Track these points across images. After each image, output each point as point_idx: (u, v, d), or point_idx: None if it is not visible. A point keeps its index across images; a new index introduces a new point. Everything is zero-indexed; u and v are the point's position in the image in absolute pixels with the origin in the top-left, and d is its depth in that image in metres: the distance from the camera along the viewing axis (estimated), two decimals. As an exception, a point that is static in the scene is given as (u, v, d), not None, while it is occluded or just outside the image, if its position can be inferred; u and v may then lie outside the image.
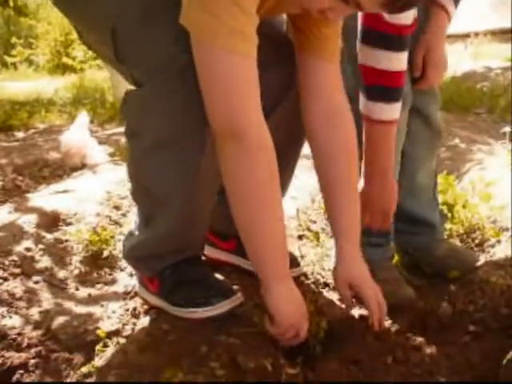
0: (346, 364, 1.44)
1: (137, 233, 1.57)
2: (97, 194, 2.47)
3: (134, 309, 1.67)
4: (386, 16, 1.48)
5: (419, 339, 1.58)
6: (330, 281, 1.82)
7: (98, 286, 1.86)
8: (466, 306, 1.71)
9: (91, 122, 4.38)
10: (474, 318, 1.66)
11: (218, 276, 1.66)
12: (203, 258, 1.70)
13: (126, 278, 1.89)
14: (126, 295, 1.77)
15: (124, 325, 1.60)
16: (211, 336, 1.43)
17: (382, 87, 1.58)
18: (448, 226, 2.14)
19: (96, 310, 1.69)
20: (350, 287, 1.50)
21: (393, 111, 1.60)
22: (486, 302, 1.70)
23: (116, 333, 1.56)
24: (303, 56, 1.46)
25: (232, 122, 1.22)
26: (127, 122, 1.45)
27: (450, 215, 2.19)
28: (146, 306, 1.66)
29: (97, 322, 1.62)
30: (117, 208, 2.41)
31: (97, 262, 1.99)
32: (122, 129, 1.65)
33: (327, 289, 1.83)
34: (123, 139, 3.28)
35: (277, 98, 1.50)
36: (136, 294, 1.73)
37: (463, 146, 3.53)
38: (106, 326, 1.59)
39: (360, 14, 1.54)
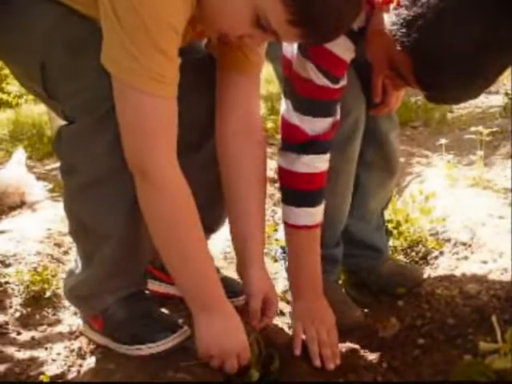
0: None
1: (77, 271, 1.53)
2: (37, 232, 2.41)
3: (80, 349, 1.62)
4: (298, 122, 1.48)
5: (370, 357, 1.59)
6: (278, 306, 1.81)
7: (41, 327, 1.79)
8: (413, 321, 1.73)
9: (29, 157, 4.29)
10: (423, 332, 1.68)
11: (164, 310, 1.63)
12: (147, 292, 1.67)
13: (71, 317, 1.83)
14: (71, 335, 1.72)
15: (70, 367, 1.54)
16: (158, 372, 1.40)
17: (292, 190, 1.55)
18: (391, 241, 2.16)
19: (40, 353, 1.63)
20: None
21: (304, 216, 1.55)
22: (433, 315, 1.73)
23: (61, 376, 1.51)
24: (223, 70, 1.50)
25: (140, 160, 1.25)
26: (61, 159, 1.43)
27: (395, 232, 2.22)
28: (91, 346, 1.61)
29: (41, 366, 1.56)
30: (58, 245, 2.35)
31: (39, 303, 1.92)
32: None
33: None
34: (62, 174, 3.23)
35: (203, 131, 1.55)
36: (81, 333, 1.68)
37: (402, 159, 3.59)
38: (50, 370, 1.53)
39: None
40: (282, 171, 1.56)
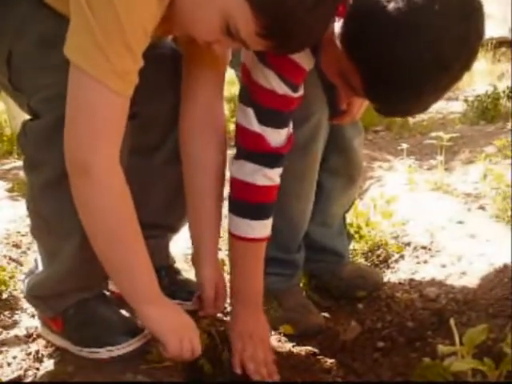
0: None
1: (38, 271, 1.50)
2: (-6, 232, 2.36)
3: (37, 352, 1.58)
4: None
5: (330, 361, 1.60)
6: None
7: (-3, 330, 1.76)
8: (374, 324, 1.75)
9: (-13, 156, 4.22)
10: (383, 335, 1.69)
11: (125, 313, 1.62)
12: (109, 294, 1.65)
13: (28, 320, 1.79)
14: (28, 338, 1.68)
15: (26, 370, 1.51)
16: (118, 375, 1.38)
17: (247, 202, 1.50)
18: (352, 244, 2.18)
19: (-5, 357, 1.60)
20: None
21: (253, 229, 1.50)
22: (393, 318, 1.75)
23: (17, 380, 1.48)
24: (189, 65, 1.50)
25: (81, 155, 1.21)
26: (26, 154, 1.40)
27: (356, 236, 2.24)
28: (49, 348, 1.58)
29: (-4, 369, 1.53)
30: (16, 246, 2.31)
31: (-4, 305, 1.89)
32: (20, 163, 1.58)
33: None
34: (22, 173, 3.17)
35: (165, 130, 1.57)
36: (39, 336, 1.65)
37: (364, 163, 3.63)
38: (6, 374, 1.50)
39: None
40: (236, 182, 1.49)
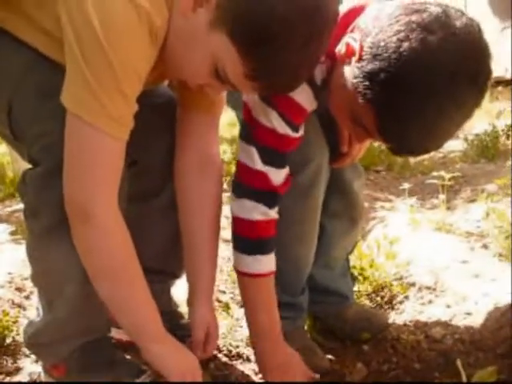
0: None
1: (38, 319, 1.49)
2: (-3, 276, 2.35)
3: (41, 398, 1.58)
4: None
5: (338, 403, 1.58)
6: (244, 352, 1.80)
7: (0, 376, 1.74)
8: (380, 366, 1.73)
9: (-10, 199, 4.22)
10: (389, 376, 1.68)
11: (127, 356, 1.60)
12: (110, 339, 1.63)
13: (31, 366, 1.78)
14: (32, 384, 1.68)
15: (30, 417, 1.50)
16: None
17: (249, 239, 1.52)
18: (356, 286, 2.17)
19: (-2, 403, 1.58)
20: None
21: (259, 264, 1.52)
22: (399, 360, 1.73)
23: (21, 428, 1.46)
24: (183, 108, 1.53)
25: (82, 201, 1.23)
26: (25, 202, 1.41)
27: (360, 277, 2.23)
28: (53, 394, 1.57)
29: (-1, 417, 1.52)
30: (19, 290, 2.30)
31: (-2, 350, 1.87)
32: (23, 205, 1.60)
33: (241, 360, 1.80)
34: (24, 217, 3.17)
35: (162, 175, 1.60)
36: (42, 383, 1.63)
37: (366, 204, 3.63)
38: (9, 421, 1.49)
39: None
40: (238, 221, 1.51)
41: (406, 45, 1.13)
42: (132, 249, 1.31)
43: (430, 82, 1.14)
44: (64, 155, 1.22)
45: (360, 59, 1.21)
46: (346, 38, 1.27)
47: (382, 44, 1.16)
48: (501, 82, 9.11)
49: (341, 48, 1.28)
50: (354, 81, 1.23)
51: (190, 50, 1.20)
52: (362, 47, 1.21)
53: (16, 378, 1.72)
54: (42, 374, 1.61)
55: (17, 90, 1.32)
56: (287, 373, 1.57)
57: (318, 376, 1.61)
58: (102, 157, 1.22)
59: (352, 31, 1.28)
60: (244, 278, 1.54)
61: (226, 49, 1.13)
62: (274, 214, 1.50)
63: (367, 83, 1.20)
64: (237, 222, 1.52)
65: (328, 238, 1.88)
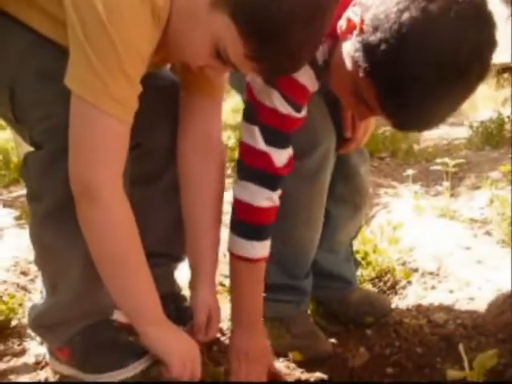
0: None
1: (42, 302, 1.51)
2: (2, 260, 2.37)
3: (46, 379, 1.59)
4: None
5: (339, 387, 1.59)
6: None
7: (6, 358, 1.75)
8: (382, 350, 1.74)
9: (-5, 184, 4.24)
10: (391, 361, 1.68)
11: (129, 338, 1.62)
12: (113, 321, 1.64)
13: (37, 347, 1.80)
14: (37, 365, 1.69)
15: (35, 398, 1.52)
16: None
17: (250, 224, 1.50)
18: (360, 271, 2.18)
19: (4, 384, 1.60)
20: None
21: (254, 249, 1.50)
22: (401, 344, 1.74)
23: (26, 407, 1.48)
24: (186, 92, 1.53)
25: (87, 181, 1.24)
26: (28, 185, 1.42)
27: (363, 262, 2.24)
28: (58, 376, 1.58)
29: (5, 397, 1.54)
30: (24, 274, 2.32)
31: (4, 333, 1.89)
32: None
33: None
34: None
35: (165, 158, 1.60)
36: (47, 364, 1.65)
37: (369, 190, 3.63)
38: (15, 401, 1.51)
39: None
40: (239, 203, 1.50)
41: (406, 15, 1.12)
42: (136, 231, 1.32)
43: (430, 50, 1.13)
44: (69, 137, 1.23)
45: (361, 32, 1.21)
46: (347, 13, 1.27)
47: (383, 16, 1.15)
48: (507, 69, 9.09)
49: (342, 23, 1.28)
50: (356, 54, 1.22)
51: (191, 30, 1.19)
52: (362, 21, 1.21)
53: (22, 359, 1.74)
54: (48, 356, 1.62)
55: (18, 73, 1.32)
56: (253, 363, 1.54)
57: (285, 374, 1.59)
58: (105, 138, 1.22)
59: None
60: (237, 261, 1.53)
61: (227, 29, 1.13)
62: (276, 198, 1.50)
63: (368, 56, 1.19)
64: (238, 205, 1.50)
65: (333, 222, 1.88)
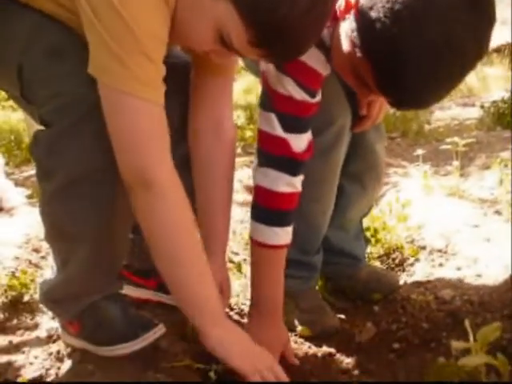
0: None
1: (52, 277, 1.53)
2: (15, 237, 2.40)
3: (58, 352, 1.62)
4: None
5: (346, 362, 1.61)
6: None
7: (19, 332, 1.79)
8: (389, 325, 1.76)
9: (7, 164, 4.27)
10: (398, 336, 1.70)
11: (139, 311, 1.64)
12: (123, 296, 1.67)
13: (49, 322, 1.82)
14: (49, 339, 1.72)
15: (47, 370, 1.54)
16: (138, 373, 1.41)
17: (271, 210, 1.52)
18: (369, 248, 2.19)
19: (17, 357, 1.62)
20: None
21: (276, 236, 1.52)
22: (408, 319, 1.76)
23: (39, 379, 1.51)
24: (197, 71, 1.54)
25: (140, 169, 1.24)
26: (38, 163, 1.42)
27: (372, 240, 2.25)
28: (70, 349, 1.61)
29: (18, 369, 1.56)
30: (36, 251, 2.35)
31: (17, 307, 1.92)
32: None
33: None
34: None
35: (176, 134, 1.54)
36: (59, 337, 1.67)
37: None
38: (28, 373, 1.53)
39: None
40: (260, 190, 1.52)
41: None
42: (193, 221, 1.33)
43: (424, 29, 1.13)
44: (109, 128, 1.22)
45: (357, 12, 1.22)
46: None
47: None
48: (520, 49, 8.99)
49: (340, 3, 1.29)
50: (353, 34, 1.23)
51: (196, 16, 1.20)
52: (358, 0, 1.21)
53: (35, 333, 1.77)
54: (60, 330, 1.65)
55: (26, 52, 1.32)
56: (270, 349, 1.45)
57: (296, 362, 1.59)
58: (146, 123, 1.22)
59: None
60: (258, 248, 1.54)
61: (230, 16, 1.13)
62: (298, 184, 1.50)
63: (363, 35, 1.20)
64: (259, 192, 1.52)
65: (346, 199, 1.89)
